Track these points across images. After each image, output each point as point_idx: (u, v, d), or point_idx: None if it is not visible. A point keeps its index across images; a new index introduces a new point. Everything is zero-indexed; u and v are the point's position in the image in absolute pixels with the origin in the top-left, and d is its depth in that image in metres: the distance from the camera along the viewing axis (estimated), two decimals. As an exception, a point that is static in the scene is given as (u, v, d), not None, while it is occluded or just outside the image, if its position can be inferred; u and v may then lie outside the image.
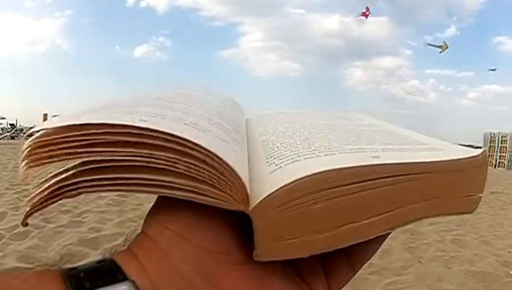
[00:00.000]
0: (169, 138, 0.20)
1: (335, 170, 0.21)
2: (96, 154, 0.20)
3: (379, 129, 0.30)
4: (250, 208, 0.21)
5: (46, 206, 0.22)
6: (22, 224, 0.22)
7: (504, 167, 19.71)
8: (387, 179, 0.22)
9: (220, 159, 0.20)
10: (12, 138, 17.38)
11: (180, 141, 0.20)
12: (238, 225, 0.22)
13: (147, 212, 0.23)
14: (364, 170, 0.22)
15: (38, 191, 0.22)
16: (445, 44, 26.55)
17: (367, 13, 27.47)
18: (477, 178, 0.25)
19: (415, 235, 3.56)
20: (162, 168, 0.20)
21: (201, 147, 0.20)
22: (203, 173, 0.20)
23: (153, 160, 0.20)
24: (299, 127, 0.29)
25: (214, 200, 0.21)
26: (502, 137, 21.31)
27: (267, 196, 0.21)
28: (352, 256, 0.25)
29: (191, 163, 0.20)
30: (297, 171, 0.22)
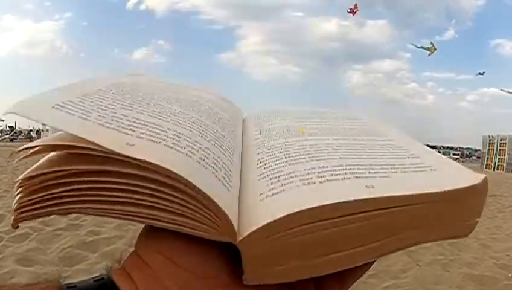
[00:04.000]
0: (150, 176, 0.20)
1: (324, 205, 0.20)
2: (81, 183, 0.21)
3: (377, 139, 0.28)
4: (238, 239, 0.21)
5: (36, 215, 0.22)
6: (12, 226, 0.22)
7: (503, 170, 19.71)
8: (380, 211, 0.21)
9: (205, 195, 0.20)
10: (11, 140, 17.36)
11: (161, 178, 0.20)
12: (227, 247, 0.22)
13: None
14: (356, 205, 0.21)
15: (26, 193, 0.21)
16: (433, 46, 25.67)
17: (355, 10, 25.76)
18: (476, 205, 0.24)
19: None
20: (146, 205, 0.21)
21: (190, 184, 0.20)
22: (187, 209, 0.21)
23: (135, 196, 0.21)
24: (294, 132, 0.29)
25: (200, 232, 0.21)
26: (500, 140, 21.30)
27: (255, 230, 0.20)
28: (344, 274, 0.24)
29: (174, 200, 0.20)
30: (285, 205, 0.21)
